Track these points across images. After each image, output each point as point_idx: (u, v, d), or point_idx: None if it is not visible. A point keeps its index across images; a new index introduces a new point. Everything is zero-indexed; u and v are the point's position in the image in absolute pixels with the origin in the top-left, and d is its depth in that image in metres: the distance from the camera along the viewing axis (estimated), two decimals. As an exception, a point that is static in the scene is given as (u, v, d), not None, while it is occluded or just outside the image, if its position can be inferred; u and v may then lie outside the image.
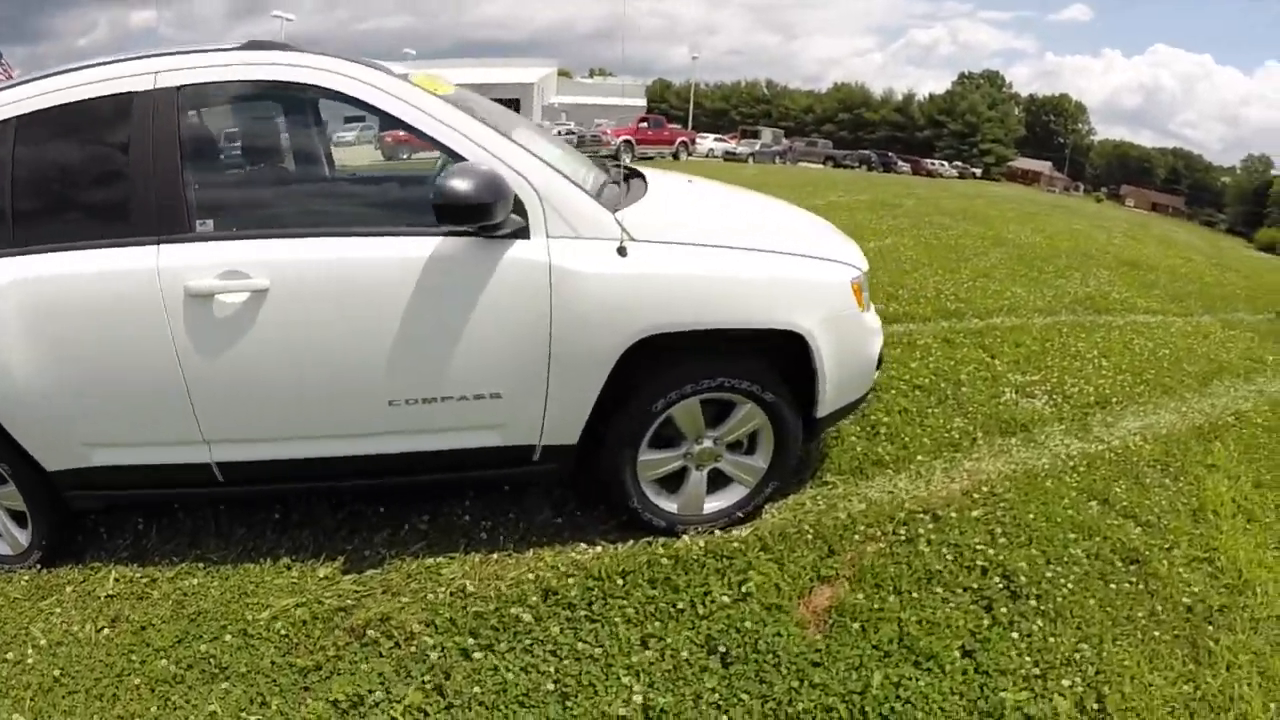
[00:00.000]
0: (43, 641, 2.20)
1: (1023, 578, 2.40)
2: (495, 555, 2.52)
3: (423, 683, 1.98)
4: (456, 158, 2.15)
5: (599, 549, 2.54)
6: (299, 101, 2.57)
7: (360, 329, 2.17)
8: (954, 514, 2.75)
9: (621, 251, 2.23)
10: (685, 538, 2.56)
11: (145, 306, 2.12)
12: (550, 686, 1.97)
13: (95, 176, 2.27)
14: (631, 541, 2.57)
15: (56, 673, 2.08)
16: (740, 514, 2.69)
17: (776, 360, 2.49)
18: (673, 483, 2.63)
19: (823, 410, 2.57)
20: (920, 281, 6.24)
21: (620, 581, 2.34)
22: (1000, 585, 2.39)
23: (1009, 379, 4.14)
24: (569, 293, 2.18)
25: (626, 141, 25.36)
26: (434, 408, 2.28)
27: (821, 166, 34.83)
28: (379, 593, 2.34)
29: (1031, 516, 2.75)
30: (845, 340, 2.53)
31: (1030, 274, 7.10)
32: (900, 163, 41.21)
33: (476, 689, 1.95)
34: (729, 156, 32.93)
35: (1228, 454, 3.47)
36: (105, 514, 2.70)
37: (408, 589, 2.35)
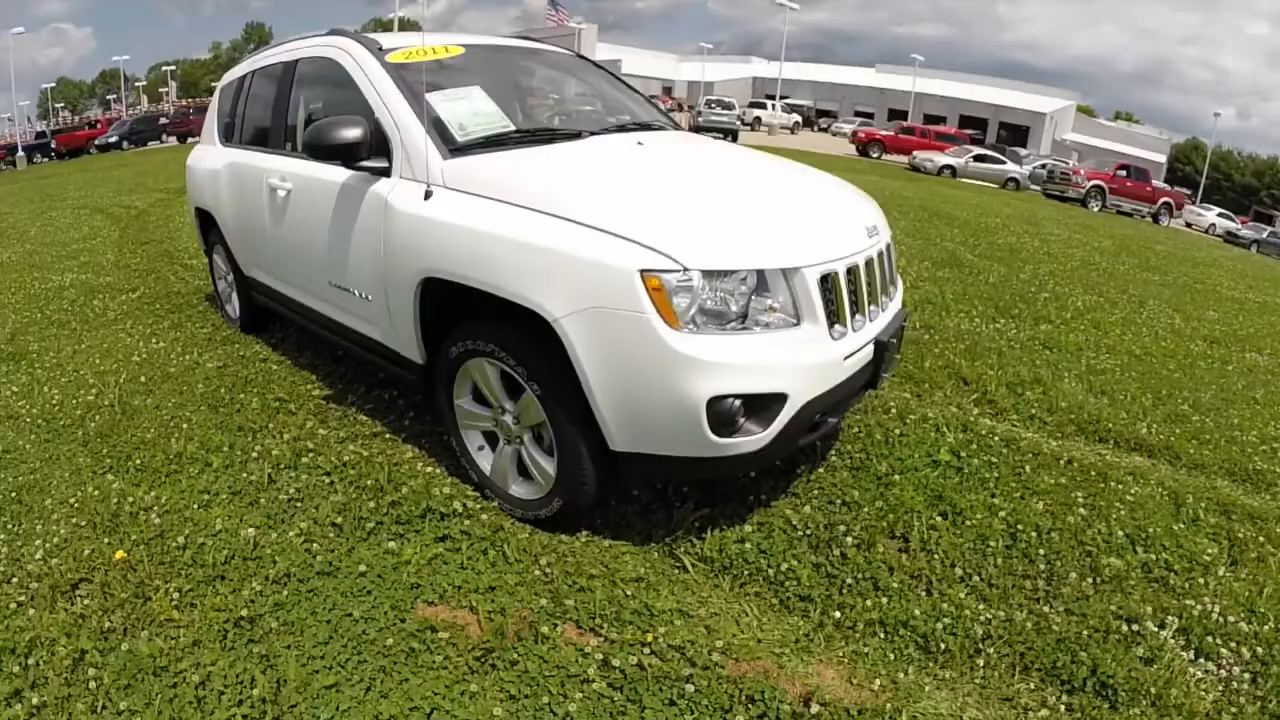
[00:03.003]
0: (198, 358, 4.15)
1: None
2: (400, 438, 3.14)
3: (266, 474, 2.86)
4: (370, 114, 2.75)
5: (443, 469, 2.83)
6: (330, 67, 3.24)
7: (316, 225, 3.05)
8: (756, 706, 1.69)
9: (427, 195, 2.45)
10: (460, 502, 2.55)
11: (259, 187, 3.57)
12: (259, 520, 2.55)
13: (266, 111, 3.80)
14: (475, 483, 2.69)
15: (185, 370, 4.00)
16: (540, 515, 2.43)
17: (557, 352, 2.11)
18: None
19: (614, 441, 2.11)
20: (1246, 418, 3.99)
21: (373, 490, 2.68)
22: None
23: (1200, 590, 2.37)
24: (390, 225, 2.57)
25: (1096, 187, 24.02)
26: (347, 295, 2.99)
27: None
28: (318, 427, 3.26)
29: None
30: (624, 352, 1.91)
31: None
32: None
33: (274, 494, 2.73)
34: (1229, 237, 28.31)
35: None
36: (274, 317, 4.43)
37: (336, 426, 3.26)
